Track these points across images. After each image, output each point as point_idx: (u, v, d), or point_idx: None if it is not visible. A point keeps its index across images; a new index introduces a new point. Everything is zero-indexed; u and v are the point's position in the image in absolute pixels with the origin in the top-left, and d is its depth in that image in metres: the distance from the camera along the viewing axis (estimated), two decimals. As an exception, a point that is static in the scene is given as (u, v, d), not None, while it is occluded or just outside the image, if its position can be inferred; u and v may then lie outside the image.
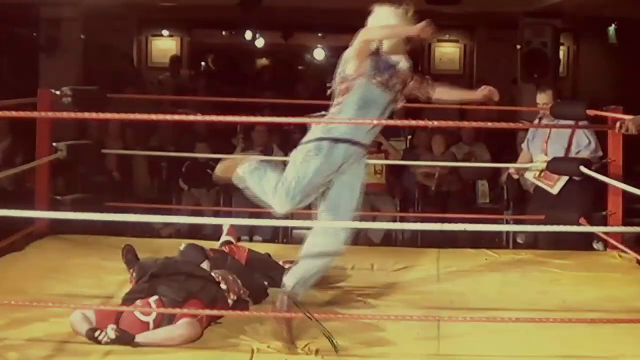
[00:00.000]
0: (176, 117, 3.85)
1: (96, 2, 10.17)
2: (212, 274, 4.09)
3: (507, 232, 7.80)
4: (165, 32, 13.33)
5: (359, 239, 6.80)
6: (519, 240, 7.91)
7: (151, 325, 3.64)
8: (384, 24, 3.92)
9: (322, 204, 4.04)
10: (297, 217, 6.78)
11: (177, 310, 3.66)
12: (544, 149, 6.10)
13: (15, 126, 8.40)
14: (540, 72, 10.09)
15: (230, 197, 8.47)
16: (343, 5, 10.24)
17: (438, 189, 8.53)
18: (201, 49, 14.12)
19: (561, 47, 11.52)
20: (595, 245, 6.05)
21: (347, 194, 3.99)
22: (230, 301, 3.98)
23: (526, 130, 6.67)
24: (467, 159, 8.83)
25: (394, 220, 8.10)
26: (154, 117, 3.68)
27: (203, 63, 14.37)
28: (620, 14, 11.19)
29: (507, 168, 6.69)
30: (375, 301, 4.41)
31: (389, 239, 8.14)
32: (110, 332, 3.52)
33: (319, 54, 14.74)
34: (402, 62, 4.01)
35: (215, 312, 3.83)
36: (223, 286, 4.00)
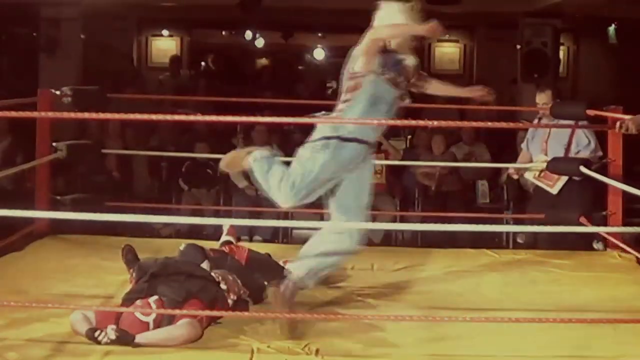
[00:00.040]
0: (176, 117, 3.85)
1: (96, 2, 10.18)
2: (212, 274, 4.09)
3: (507, 232, 7.80)
4: (165, 32, 13.33)
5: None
6: (519, 240, 7.91)
7: (151, 326, 3.64)
8: (392, 23, 3.94)
9: (332, 204, 4.07)
10: (297, 217, 6.76)
11: (177, 312, 3.66)
12: (544, 149, 6.10)
13: (15, 126, 8.41)
14: (540, 72, 10.10)
15: (230, 197, 8.48)
16: (343, 5, 10.25)
17: (438, 189, 8.54)
18: (201, 49, 14.12)
19: (561, 47, 11.52)
20: (595, 245, 6.04)
21: (356, 194, 4.03)
22: (230, 301, 3.98)
23: (526, 130, 6.67)
24: (467, 159, 8.83)
25: (394, 220, 8.10)
26: (154, 117, 3.68)
27: (203, 63, 14.36)
28: (620, 14, 11.19)
29: (507, 168, 6.69)
30: (375, 301, 4.40)
31: (389, 239, 8.14)
32: (110, 332, 3.52)
33: (319, 54, 14.74)
34: (409, 59, 4.04)
35: (215, 313, 3.83)
36: (223, 286, 3.99)
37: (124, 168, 8.83)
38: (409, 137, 9.45)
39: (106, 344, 3.51)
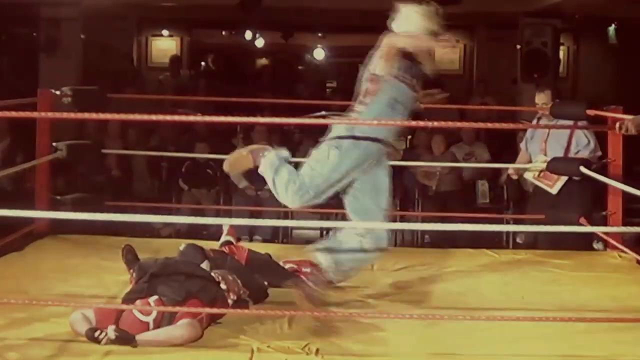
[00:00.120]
0: (176, 117, 3.85)
1: (96, 2, 10.18)
2: (212, 274, 4.08)
3: (507, 232, 7.80)
4: (165, 32, 13.34)
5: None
6: (519, 240, 7.91)
7: (151, 326, 3.64)
8: (411, 34, 3.94)
9: (348, 206, 4.09)
10: (297, 217, 6.76)
11: (177, 308, 3.66)
12: (543, 149, 6.10)
13: (15, 126, 8.41)
14: (540, 72, 10.10)
15: (230, 197, 8.49)
16: (343, 5, 10.27)
17: (438, 189, 8.54)
18: (201, 49, 14.13)
19: (561, 47, 11.52)
20: (595, 245, 6.05)
21: (373, 195, 4.08)
22: (230, 301, 3.98)
23: (525, 130, 6.67)
24: (467, 159, 8.84)
25: (394, 220, 8.09)
26: (154, 117, 3.68)
27: (203, 63, 14.37)
28: (620, 14, 11.20)
29: (507, 168, 6.69)
30: (375, 301, 4.40)
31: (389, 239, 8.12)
32: (110, 332, 3.52)
33: (319, 54, 14.74)
34: (426, 65, 4.07)
35: (214, 310, 3.82)
36: (223, 286, 3.99)
37: (124, 168, 8.84)
38: (409, 137, 9.45)
39: (106, 343, 3.51)
